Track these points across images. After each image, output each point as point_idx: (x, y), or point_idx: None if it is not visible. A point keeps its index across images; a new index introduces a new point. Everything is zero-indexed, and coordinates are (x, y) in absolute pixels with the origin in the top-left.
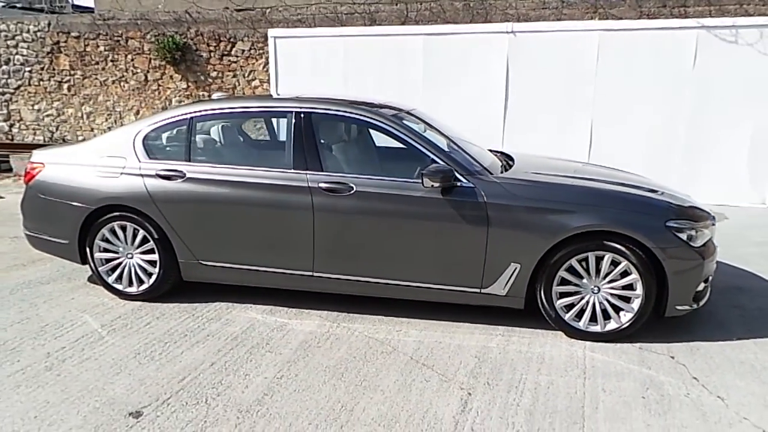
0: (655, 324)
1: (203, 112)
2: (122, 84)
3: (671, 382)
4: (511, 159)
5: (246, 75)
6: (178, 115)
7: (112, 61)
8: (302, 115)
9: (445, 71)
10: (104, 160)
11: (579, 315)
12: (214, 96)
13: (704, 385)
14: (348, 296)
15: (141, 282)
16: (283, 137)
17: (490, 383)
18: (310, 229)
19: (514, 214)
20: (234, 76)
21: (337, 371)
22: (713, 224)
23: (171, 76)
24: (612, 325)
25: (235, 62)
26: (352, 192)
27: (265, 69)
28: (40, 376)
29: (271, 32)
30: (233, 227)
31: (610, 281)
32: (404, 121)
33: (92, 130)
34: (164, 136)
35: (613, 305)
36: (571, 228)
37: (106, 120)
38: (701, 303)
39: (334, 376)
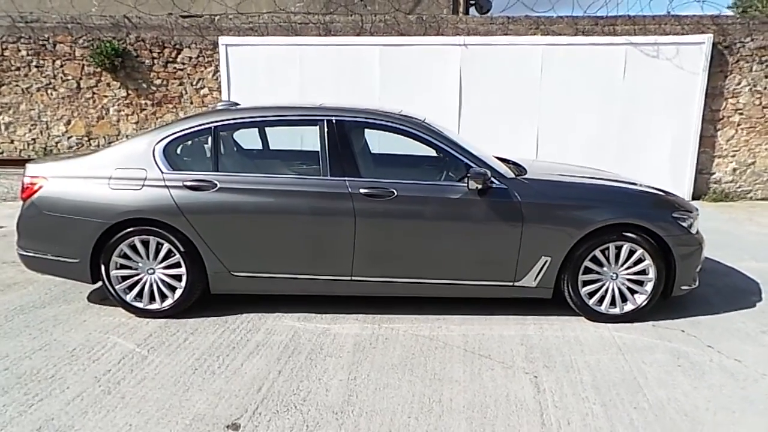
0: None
1: (227, 121)
2: (49, 92)
3: (693, 351)
4: (515, 163)
5: (194, 83)
6: (200, 125)
7: (36, 66)
8: (335, 123)
9: (401, 81)
10: (120, 172)
11: (600, 300)
12: (219, 105)
13: (719, 351)
14: (376, 298)
15: (164, 298)
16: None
17: (547, 366)
18: (350, 235)
19: (546, 211)
20: (180, 84)
21: (405, 368)
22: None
23: (108, 84)
24: (629, 307)
25: (182, 70)
26: (394, 196)
27: (214, 77)
28: (103, 400)
29: (222, 40)
30: (268, 236)
31: (627, 268)
32: (432, 128)
33: (12, 142)
34: (186, 145)
35: (629, 289)
36: (597, 221)
37: (30, 131)
38: (698, 282)
39: (405, 372)
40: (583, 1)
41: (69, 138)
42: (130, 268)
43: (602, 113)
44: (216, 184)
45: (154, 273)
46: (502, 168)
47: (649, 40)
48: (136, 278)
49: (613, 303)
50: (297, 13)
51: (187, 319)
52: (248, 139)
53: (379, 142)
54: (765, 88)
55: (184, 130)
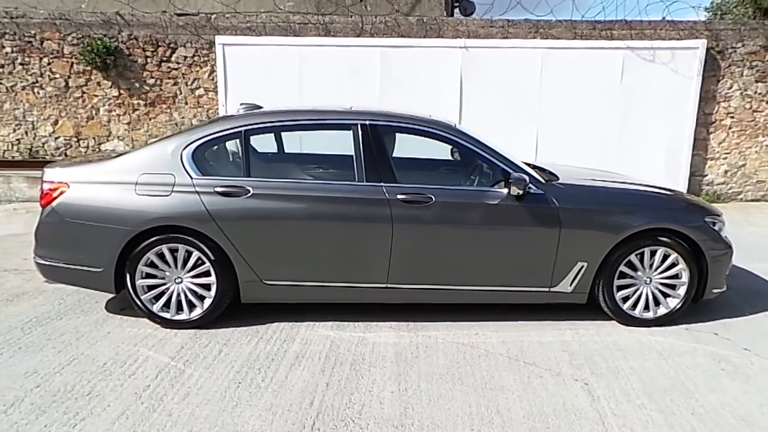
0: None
1: (258, 125)
2: (36, 90)
3: (732, 354)
4: (541, 168)
5: (189, 83)
6: (229, 128)
7: (21, 64)
8: (369, 127)
9: (402, 82)
10: (147, 177)
11: (634, 305)
12: (240, 108)
13: (758, 354)
14: (407, 305)
15: (192, 308)
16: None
17: (595, 372)
18: (387, 241)
19: (583, 216)
20: (175, 83)
21: (453, 378)
22: None
23: (98, 83)
24: (662, 311)
25: (176, 69)
26: (432, 202)
27: (210, 77)
28: (150, 418)
29: (219, 39)
30: (302, 243)
31: (661, 272)
32: (465, 133)
33: None
34: (215, 150)
35: (662, 293)
36: (633, 226)
37: (14, 131)
38: (726, 286)
39: (455, 382)
40: (582, 6)
41: (56, 139)
42: (156, 277)
43: (600, 116)
44: (249, 190)
45: (181, 282)
46: (537, 173)
47: (645, 45)
48: (163, 288)
49: (646, 307)
50: (296, 13)
51: (216, 329)
52: (264, 143)
53: (398, 145)
54: (755, 92)
55: (213, 134)
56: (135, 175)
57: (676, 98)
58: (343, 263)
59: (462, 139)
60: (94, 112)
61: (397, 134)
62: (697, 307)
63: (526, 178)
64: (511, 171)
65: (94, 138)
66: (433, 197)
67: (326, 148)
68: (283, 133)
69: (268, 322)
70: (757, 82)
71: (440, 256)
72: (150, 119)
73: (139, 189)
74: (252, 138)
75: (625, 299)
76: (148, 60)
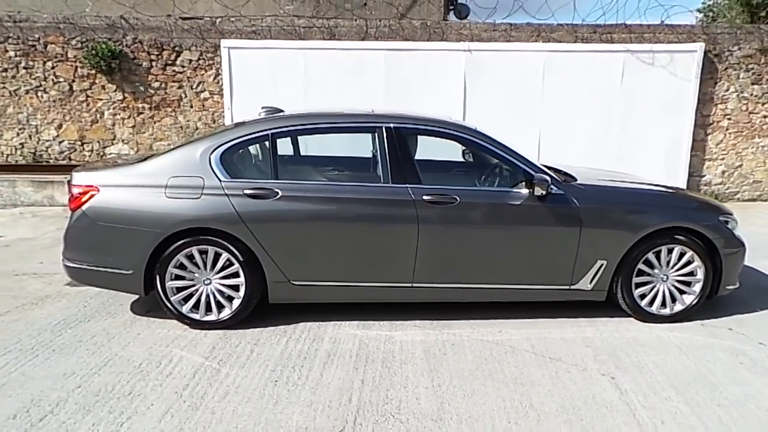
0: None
1: (285, 128)
2: (39, 94)
3: (748, 349)
4: (555, 169)
5: (194, 86)
6: (257, 131)
7: (25, 68)
8: (393, 130)
9: (406, 85)
10: (175, 181)
11: (651, 302)
12: (262, 111)
13: None
14: (429, 304)
15: (220, 309)
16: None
17: (619, 367)
18: (413, 241)
19: (603, 216)
20: (180, 87)
21: (484, 374)
22: None
23: (103, 86)
24: (678, 308)
25: (181, 73)
26: (457, 203)
27: (216, 80)
28: (194, 416)
29: (225, 43)
30: (330, 244)
31: (677, 269)
32: (487, 135)
33: None
34: (242, 153)
35: (679, 290)
36: (652, 225)
37: (18, 135)
38: (739, 283)
39: (486, 378)
40: (582, 10)
41: (60, 143)
42: (185, 278)
43: (601, 117)
44: (278, 192)
45: (210, 283)
46: (554, 174)
47: (645, 48)
48: (192, 289)
49: (663, 304)
50: (301, 16)
51: (245, 330)
52: (286, 145)
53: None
54: (751, 95)
55: (241, 137)
56: (164, 178)
57: (674, 100)
58: (369, 263)
59: (485, 142)
60: (98, 115)
61: (418, 137)
62: (710, 304)
63: (548, 179)
64: (532, 172)
65: (98, 142)
66: (458, 198)
67: (344, 150)
68: (309, 136)
69: (294, 322)
70: (752, 84)
71: (464, 256)
72: (155, 123)
73: (169, 192)
74: (280, 140)
75: (643, 296)
76: (153, 63)
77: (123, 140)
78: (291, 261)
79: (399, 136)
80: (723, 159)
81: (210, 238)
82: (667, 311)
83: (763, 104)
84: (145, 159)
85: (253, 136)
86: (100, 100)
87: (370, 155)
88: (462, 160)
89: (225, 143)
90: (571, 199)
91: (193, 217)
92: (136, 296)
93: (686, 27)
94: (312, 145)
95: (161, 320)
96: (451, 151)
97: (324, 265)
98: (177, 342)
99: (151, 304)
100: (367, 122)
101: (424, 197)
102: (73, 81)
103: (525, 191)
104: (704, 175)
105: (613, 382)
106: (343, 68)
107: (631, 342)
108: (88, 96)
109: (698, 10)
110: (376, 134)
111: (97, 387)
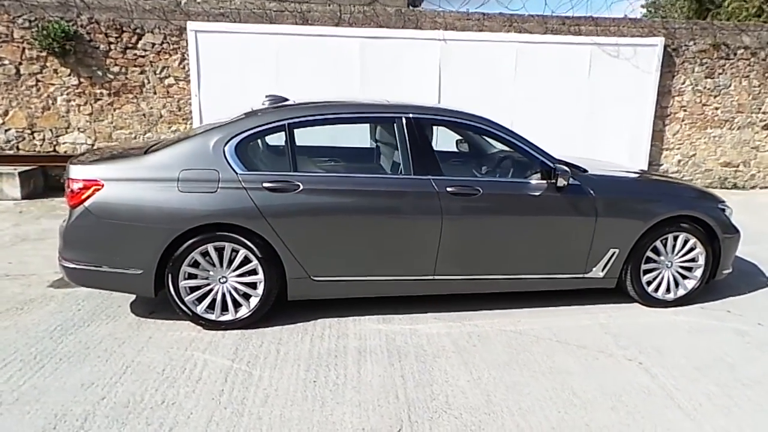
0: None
1: (301, 118)
2: None
3: (750, 329)
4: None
5: (158, 71)
6: (273, 122)
7: None
8: (413, 120)
9: (381, 73)
10: (188, 174)
11: (656, 287)
12: (265, 100)
13: None
14: (441, 296)
15: (237, 308)
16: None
17: (642, 352)
18: (436, 233)
19: (617, 205)
20: (142, 72)
21: (518, 364)
22: None
23: (56, 70)
24: (681, 292)
25: (143, 56)
26: (480, 194)
27: (181, 65)
28: (242, 423)
29: (191, 25)
30: (352, 238)
31: (681, 256)
32: (503, 126)
33: None
34: (258, 144)
35: (682, 275)
36: (661, 214)
37: None
38: (732, 267)
39: (522, 368)
40: (552, 1)
41: (7, 131)
42: (198, 277)
43: (570, 108)
44: (299, 185)
45: (226, 281)
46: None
47: (611, 41)
48: (206, 288)
49: (668, 289)
50: (272, 0)
51: (263, 329)
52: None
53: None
54: (704, 88)
55: (256, 127)
56: (176, 171)
57: (637, 92)
58: (392, 257)
59: (503, 133)
60: (50, 101)
61: (434, 127)
62: (705, 288)
63: (569, 170)
64: (551, 164)
65: (51, 130)
66: (480, 189)
67: (348, 141)
68: (325, 126)
69: (313, 319)
70: (706, 78)
71: (485, 247)
72: (115, 110)
73: (182, 186)
74: (297, 131)
75: (649, 282)
76: (112, 46)
77: (79, 128)
78: (312, 256)
79: (418, 126)
80: (679, 149)
81: (227, 233)
82: (671, 296)
83: (715, 97)
84: (150, 150)
85: (269, 126)
86: (53, 84)
87: (378, 147)
88: (466, 150)
89: (239, 134)
90: (587, 189)
91: (211, 212)
92: (134, 297)
93: (648, 22)
94: (321, 137)
95: (169, 322)
96: (447, 141)
97: (346, 260)
98: (195, 344)
99: (153, 305)
100: (386, 113)
101: (448, 189)
102: (20, 63)
103: (543, 182)
104: (662, 164)
105: (641, 366)
106: (316, 55)
107: (645, 327)
108: (38, 80)
109: (641, 5)
110: (395, 125)
111: (124, 397)
